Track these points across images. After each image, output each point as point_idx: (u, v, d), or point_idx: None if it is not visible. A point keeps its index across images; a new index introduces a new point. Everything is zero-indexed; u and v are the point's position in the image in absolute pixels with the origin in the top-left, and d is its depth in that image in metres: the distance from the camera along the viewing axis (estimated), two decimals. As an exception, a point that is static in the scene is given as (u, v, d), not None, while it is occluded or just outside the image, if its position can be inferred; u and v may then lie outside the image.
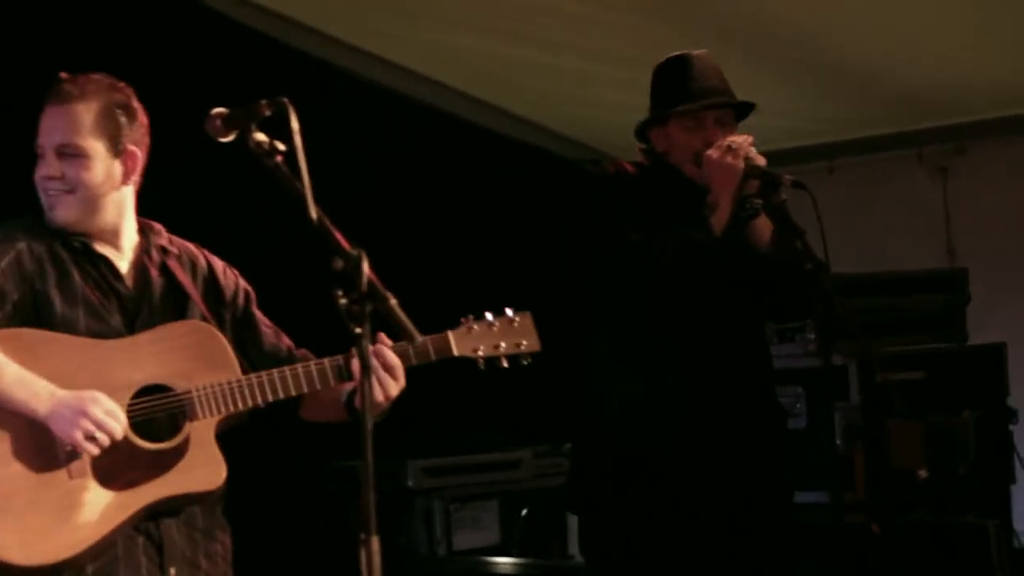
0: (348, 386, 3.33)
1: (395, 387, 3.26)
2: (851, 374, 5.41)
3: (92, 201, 3.27)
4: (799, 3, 5.91)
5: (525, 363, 3.42)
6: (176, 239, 3.47)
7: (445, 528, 6.51)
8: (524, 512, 6.73)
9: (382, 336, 3.27)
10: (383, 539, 2.39)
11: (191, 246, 3.49)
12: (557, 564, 6.43)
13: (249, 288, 3.53)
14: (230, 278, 3.49)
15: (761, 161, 3.83)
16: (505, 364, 3.41)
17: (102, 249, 3.31)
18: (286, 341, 3.49)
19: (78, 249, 3.28)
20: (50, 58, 3.42)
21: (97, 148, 3.26)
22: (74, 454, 3.10)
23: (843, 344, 4.59)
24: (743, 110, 4.05)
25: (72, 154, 3.24)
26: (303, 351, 3.47)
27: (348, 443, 2.63)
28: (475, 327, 3.40)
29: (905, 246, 7.11)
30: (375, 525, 2.40)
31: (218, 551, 3.35)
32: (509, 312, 3.42)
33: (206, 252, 3.51)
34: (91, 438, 3.07)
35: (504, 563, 6.09)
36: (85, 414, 3.06)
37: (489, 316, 3.42)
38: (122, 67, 3.43)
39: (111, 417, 3.10)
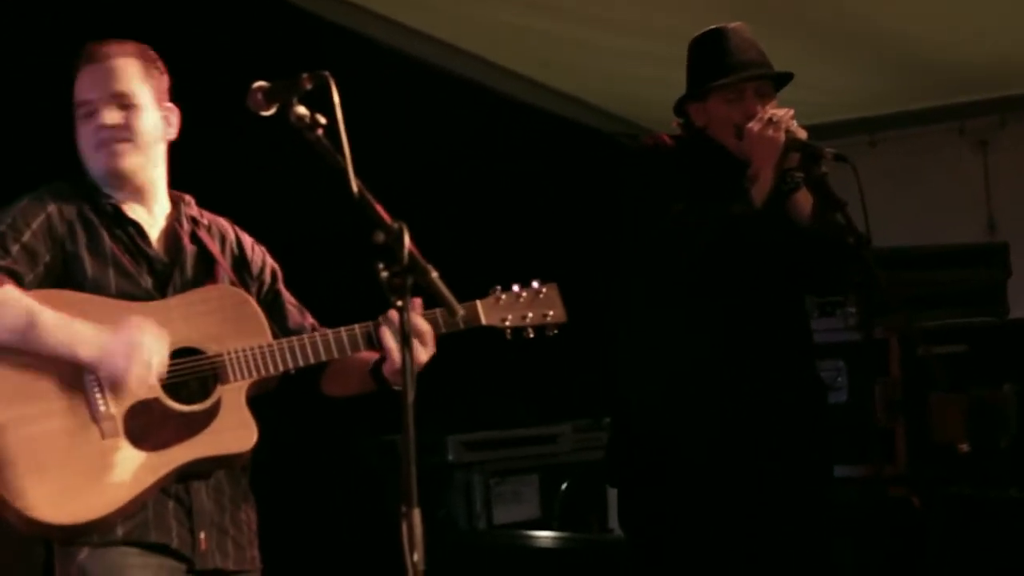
0: (375, 355, 3.34)
1: (425, 354, 3.25)
2: (892, 348, 5.39)
3: (148, 149, 3.29)
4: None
5: (551, 334, 3.46)
6: (206, 212, 3.49)
7: (485, 502, 6.53)
8: (564, 486, 6.74)
9: (414, 302, 3.24)
10: (423, 512, 2.41)
11: (221, 219, 3.52)
12: (597, 538, 6.42)
13: (276, 266, 3.55)
14: (258, 254, 3.52)
15: (802, 134, 3.82)
16: (532, 335, 3.45)
17: (133, 214, 3.31)
18: (310, 319, 3.51)
19: (108, 213, 3.28)
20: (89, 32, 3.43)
21: (146, 97, 3.30)
22: (107, 414, 3.09)
23: (884, 318, 4.58)
24: (781, 81, 4.04)
25: (127, 104, 3.27)
26: (326, 330, 3.47)
27: (389, 417, 2.64)
28: (503, 297, 3.44)
29: (946, 220, 7.08)
30: (416, 498, 2.41)
31: (243, 519, 3.35)
32: (536, 284, 3.47)
33: (236, 227, 3.53)
34: (149, 367, 3.08)
35: (544, 537, 6.09)
36: (139, 346, 3.07)
37: (516, 287, 3.46)
38: (164, 42, 3.45)
39: (160, 340, 3.10)
